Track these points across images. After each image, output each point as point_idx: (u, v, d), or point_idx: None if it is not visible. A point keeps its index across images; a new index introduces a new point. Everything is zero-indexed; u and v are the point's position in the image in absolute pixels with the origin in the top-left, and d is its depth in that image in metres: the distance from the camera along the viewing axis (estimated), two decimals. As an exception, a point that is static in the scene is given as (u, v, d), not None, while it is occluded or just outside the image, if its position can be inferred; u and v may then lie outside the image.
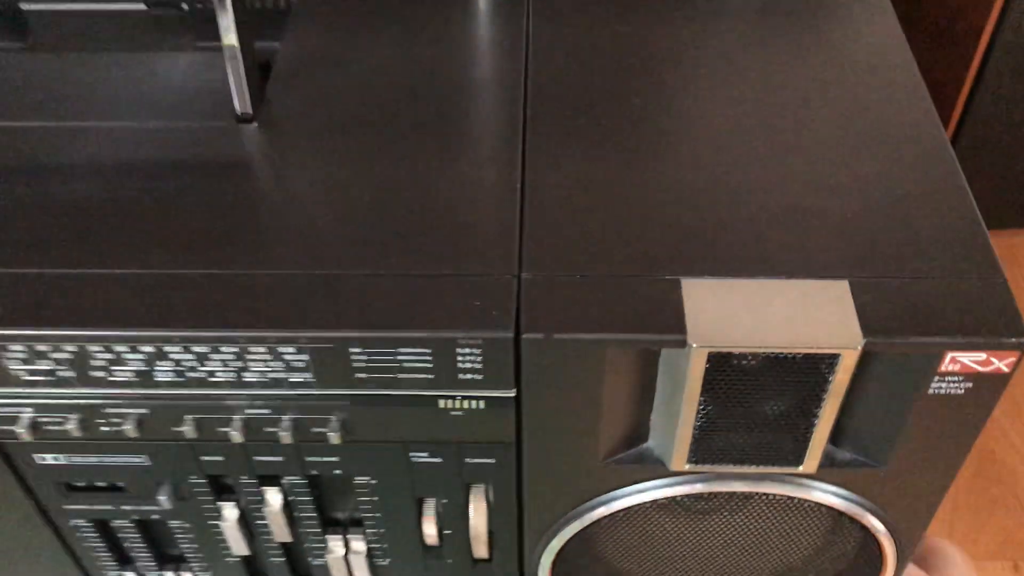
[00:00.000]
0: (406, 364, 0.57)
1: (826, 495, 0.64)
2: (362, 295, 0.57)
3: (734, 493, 0.66)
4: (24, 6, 0.79)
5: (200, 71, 0.74)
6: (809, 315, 0.55)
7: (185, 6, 0.77)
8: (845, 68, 0.71)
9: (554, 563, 0.71)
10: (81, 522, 0.70)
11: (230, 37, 0.65)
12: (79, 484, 0.67)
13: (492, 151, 0.66)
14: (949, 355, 0.55)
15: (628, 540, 0.70)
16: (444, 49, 0.74)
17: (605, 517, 0.66)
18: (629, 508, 0.66)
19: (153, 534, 0.72)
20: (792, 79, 0.71)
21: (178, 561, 0.75)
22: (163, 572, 0.75)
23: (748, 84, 0.70)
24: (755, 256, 0.58)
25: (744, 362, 0.56)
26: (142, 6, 0.78)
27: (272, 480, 0.66)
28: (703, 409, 0.59)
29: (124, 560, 0.74)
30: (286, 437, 0.61)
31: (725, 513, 0.69)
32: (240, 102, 0.68)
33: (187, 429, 0.61)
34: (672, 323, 0.55)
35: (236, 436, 0.61)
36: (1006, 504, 1.39)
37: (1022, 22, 1.30)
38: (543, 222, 0.61)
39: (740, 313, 0.55)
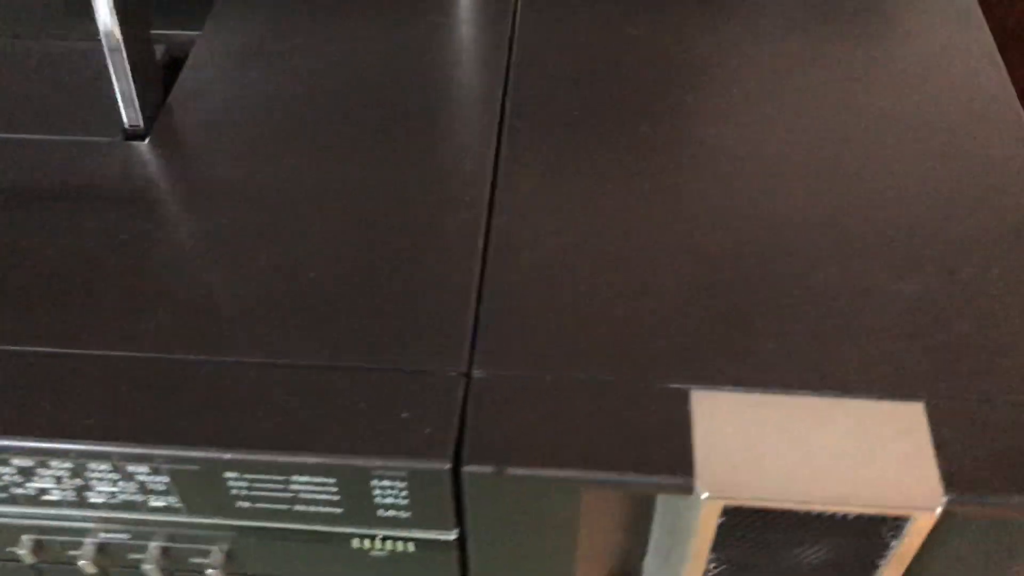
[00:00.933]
0: (303, 495, 0.41)
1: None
2: (251, 395, 0.41)
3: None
4: None
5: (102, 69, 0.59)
6: (867, 455, 0.39)
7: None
8: (924, 91, 0.55)
9: None
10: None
11: (107, 21, 0.49)
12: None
13: (450, 191, 0.50)
14: (1068, 522, 0.38)
15: None
16: (408, 48, 0.58)
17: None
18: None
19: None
20: (851, 102, 0.54)
21: None
22: None
23: (793, 107, 0.54)
24: (793, 359, 0.42)
25: (773, 518, 0.40)
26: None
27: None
28: (715, 568, 0.43)
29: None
30: (150, 571, 0.45)
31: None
32: (127, 111, 0.52)
33: (23, 551, 0.45)
34: (674, 459, 0.39)
35: (87, 566, 0.45)
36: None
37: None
38: (507, 299, 0.45)
39: (770, 447, 0.39)
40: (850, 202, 0.49)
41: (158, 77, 0.54)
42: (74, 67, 0.57)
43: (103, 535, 0.45)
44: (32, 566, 0.47)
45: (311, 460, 0.39)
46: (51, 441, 0.40)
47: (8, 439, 0.40)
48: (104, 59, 0.51)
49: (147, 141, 0.52)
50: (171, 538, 0.45)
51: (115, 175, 0.50)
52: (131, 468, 0.41)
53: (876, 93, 0.54)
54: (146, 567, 0.45)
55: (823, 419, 0.41)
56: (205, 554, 0.45)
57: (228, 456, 0.39)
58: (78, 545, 0.46)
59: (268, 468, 0.40)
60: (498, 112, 0.54)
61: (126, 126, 0.52)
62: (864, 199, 0.49)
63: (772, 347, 0.43)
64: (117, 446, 0.40)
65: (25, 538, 0.46)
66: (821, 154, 0.51)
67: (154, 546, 0.45)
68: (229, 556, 0.45)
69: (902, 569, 0.42)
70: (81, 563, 0.45)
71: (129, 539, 0.45)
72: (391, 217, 0.48)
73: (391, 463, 0.39)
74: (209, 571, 0.45)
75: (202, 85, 0.56)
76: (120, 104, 0.52)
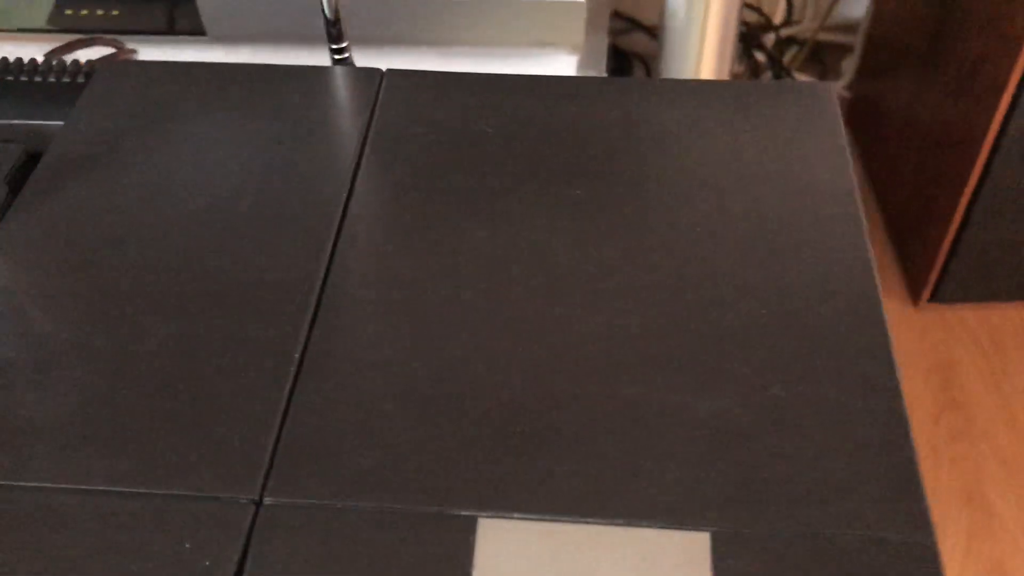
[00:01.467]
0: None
1: None
2: (38, 518, 0.41)
3: None
4: None
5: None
6: (646, 589, 0.39)
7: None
8: (766, 187, 0.54)
9: None
10: None
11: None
12: None
13: (274, 302, 0.50)
14: (843, 661, 0.38)
15: None
16: (265, 142, 0.58)
17: None
18: None
19: None
20: (690, 196, 0.54)
21: None
22: None
23: (624, 213, 0.54)
24: (586, 485, 0.42)
25: (549, 654, 0.39)
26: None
27: None
28: None
29: None
30: None
31: None
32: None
33: None
34: (448, 595, 0.39)
35: None
36: None
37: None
38: (312, 421, 0.45)
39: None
40: (668, 314, 0.48)
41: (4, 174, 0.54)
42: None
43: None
44: None
45: (87, 594, 0.39)
46: None
47: None
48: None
49: (-15, 248, 0.53)
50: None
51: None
52: (-84, 599, 0.41)
53: (712, 191, 0.54)
54: None
55: (608, 549, 0.40)
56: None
57: (7, 589, 0.39)
58: None
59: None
60: (340, 214, 0.54)
61: (-36, 232, 0.53)
62: (683, 310, 0.48)
63: (567, 471, 0.43)
64: (-101, 578, 0.40)
65: None
66: (643, 261, 0.51)
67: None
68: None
69: None
70: None
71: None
72: (209, 330, 0.48)
73: (166, 598, 0.39)
74: None
75: (52, 186, 0.56)
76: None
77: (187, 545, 0.40)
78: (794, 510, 0.41)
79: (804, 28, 1.44)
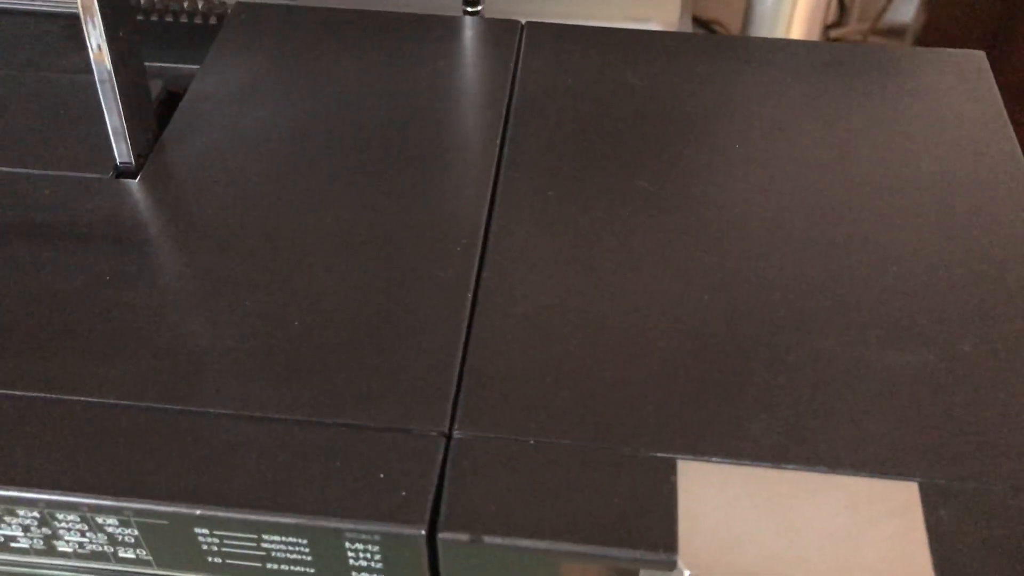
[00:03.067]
0: (275, 554, 0.40)
1: None
2: (226, 448, 0.40)
3: None
4: None
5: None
6: (857, 535, 0.38)
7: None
8: (929, 153, 0.53)
9: None
10: None
11: (97, 53, 0.48)
12: None
13: (443, 241, 0.49)
14: (1064, 616, 0.37)
15: None
16: (408, 92, 0.57)
17: None
18: None
19: None
20: (855, 162, 0.53)
21: None
22: None
23: (795, 166, 0.53)
24: (784, 432, 0.41)
25: (758, 598, 0.38)
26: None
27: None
28: (696, 644, 0.41)
29: None
30: (118, 623, 0.44)
31: None
32: (118, 148, 0.51)
33: (-11, 599, 0.44)
34: (657, 534, 0.38)
35: (48, 617, 0.44)
36: None
37: None
38: (494, 357, 0.44)
39: (757, 523, 0.38)
40: (850, 267, 0.47)
41: (150, 113, 0.53)
42: (72, 100, 0.57)
43: (69, 585, 0.44)
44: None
45: (283, 520, 0.38)
46: (18, 490, 0.39)
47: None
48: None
49: (138, 179, 0.52)
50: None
51: (103, 213, 0.50)
52: (100, 520, 0.40)
53: (880, 153, 0.53)
54: (114, 618, 0.44)
55: (812, 495, 0.39)
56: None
57: (198, 512, 0.38)
58: (46, 593, 0.45)
59: (239, 526, 0.39)
60: (495, 161, 0.53)
61: (117, 163, 0.52)
62: (864, 264, 0.48)
63: (763, 418, 0.42)
64: (85, 497, 0.39)
65: (-8, 584, 0.44)
66: (821, 215, 0.50)
67: (122, 597, 0.44)
68: (199, 610, 0.44)
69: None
70: (48, 611, 0.44)
71: (96, 592, 0.44)
72: (382, 266, 0.47)
73: (364, 526, 0.38)
74: (177, 624, 0.44)
75: (198, 122, 0.55)
76: (112, 140, 0.51)
77: (380, 476, 0.39)
78: (1001, 464, 0.40)
79: (853, 30, 1.43)
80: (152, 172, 0.52)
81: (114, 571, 0.43)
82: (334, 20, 0.62)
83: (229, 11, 0.63)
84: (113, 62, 0.48)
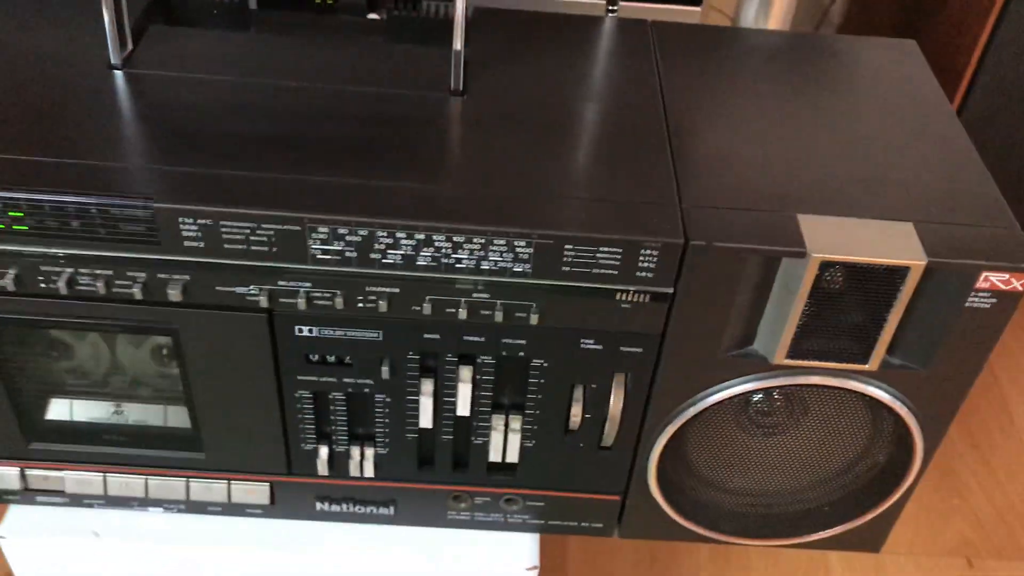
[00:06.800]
0: (602, 260, 0.79)
1: (879, 391, 0.87)
2: (571, 209, 0.79)
3: (801, 402, 0.89)
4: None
5: (424, 60, 0.96)
6: (888, 243, 0.79)
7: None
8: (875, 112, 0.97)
9: (661, 453, 0.92)
10: (305, 393, 0.89)
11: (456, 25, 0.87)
12: (314, 359, 0.87)
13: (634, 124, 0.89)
14: (984, 274, 0.79)
15: (711, 444, 0.93)
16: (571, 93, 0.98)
17: (710, 407, 0.88)
18: (733, 396, 0.88)
19: (354, 409, 0.92)
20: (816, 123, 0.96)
21: (363, 439, 0.95)
22: (350, 447, 0.95)
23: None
24: (852, 203, 0.82)
25: (841, 273, 0.79)
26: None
27: (468, 360, 0.87)
28: (806, 310, 0.82)
29: (322, 435, 0.94)
30: (498, 316, 0.82)
31: (791, 427, 0.92)
32: (454, 78, 0.90)
33: (425, 306, 0.82)
34: (797, 240, 0.78)
35: (463, 314, 0.82)
36: (962, 512, 1.64)
37: (999, 62, 1.38)
38: (695, 167, 0.84)
39: (842, 238, 0.79)
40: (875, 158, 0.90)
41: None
42: (406, 60, 0.96)
43: (474, 295, 0.82)
44: (422, 318, 0.83)
45: (614, 236, 0.77)
46: (492, 225, 0.77)
47: (466, 224, 0.77)
48: (435, 57, 0.90)
49: (463, 97, 0.91)
50: (512, 295, 0.81)
51: (437, 114, 0.89)
52: (516, 243, 0.78)
53: (833, 119, 0.97)
54: (496, 314, 0.82)
55: (866, 228, 0.81)
56: (528, 309, 0.82)
57: (571, 233, 0.77)
58: (456, 304, 0.82)
59: (589, 242, 0.78)
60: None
61: (452, 87, 0.90)
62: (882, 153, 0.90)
63: (839, 198, 0.83)
64: (518, 227, 0.77)
65: (428, 298, 0.82)
66: (840, 132, 0.93)
67: (500, 303, 0.82)
68: (541, 311, 0.82)
69: (901, 311, 0.81)
70: (460, 312, 0.82)
71: (488, 298, 0.82)
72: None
73: (653, 238, 0.77)
74: (532, 316, 0.82)
75: (501, 66, 0.94)
76: (452, 70, 0.90)
77: (654, 219, 0.79)
78: (949, 216, 0.82)
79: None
80: (475, 95, 0.91)
81: (503, 283, 0.81)
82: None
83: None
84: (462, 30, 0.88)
